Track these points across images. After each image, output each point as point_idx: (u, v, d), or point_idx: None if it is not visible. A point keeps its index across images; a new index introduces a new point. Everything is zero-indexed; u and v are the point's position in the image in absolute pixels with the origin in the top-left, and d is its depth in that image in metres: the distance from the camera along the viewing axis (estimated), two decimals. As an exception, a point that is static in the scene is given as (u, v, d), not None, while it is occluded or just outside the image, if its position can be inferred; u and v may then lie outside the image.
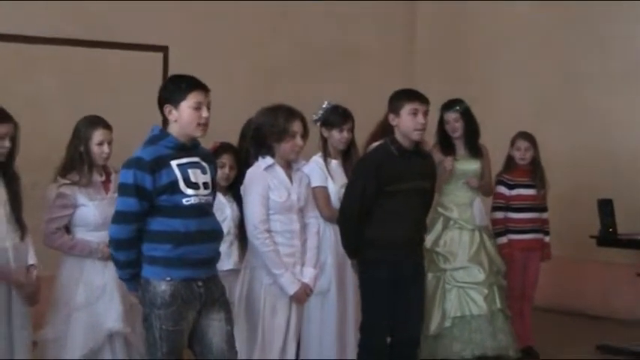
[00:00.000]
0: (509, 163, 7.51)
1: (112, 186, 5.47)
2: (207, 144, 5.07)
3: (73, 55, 8.22)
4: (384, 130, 6.73)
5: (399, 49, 10.35)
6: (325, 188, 6.40)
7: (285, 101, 5.60)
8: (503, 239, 7.41)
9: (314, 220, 5.69)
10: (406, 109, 5.57)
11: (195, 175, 4.57)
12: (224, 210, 5.72)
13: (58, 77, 8.18)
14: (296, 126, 5.43)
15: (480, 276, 7.16)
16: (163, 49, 8.63)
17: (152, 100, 8.06)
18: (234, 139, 6.18)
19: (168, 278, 4.49)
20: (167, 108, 4.57)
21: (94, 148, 5.49)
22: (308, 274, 5.52)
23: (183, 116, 4.55)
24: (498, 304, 7.18)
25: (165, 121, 4.63)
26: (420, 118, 5.57)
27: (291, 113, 5.46)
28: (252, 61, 9.11)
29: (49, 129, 7.45)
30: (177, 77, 4.67)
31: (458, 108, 7.21)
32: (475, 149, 7.29)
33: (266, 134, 5.44)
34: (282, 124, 5.41)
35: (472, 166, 7.29)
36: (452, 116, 7.22)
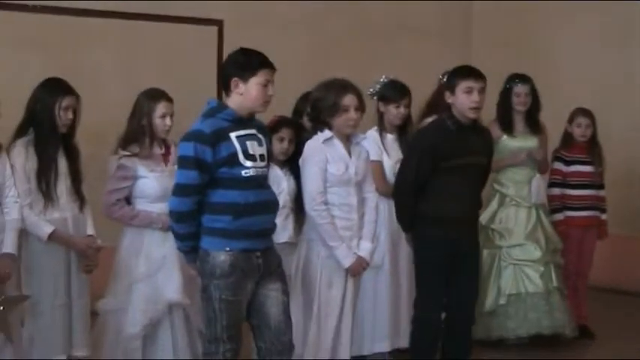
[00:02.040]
0: (567, 139, 7.41)
1: (172, 158, 5.48)
2: (265, 118, 5.05)
3: (127, 29, 8.27)
4: (433, 106, 6.72)
5: (456, 25, 10.26)
6: (380, 163, 6.39)
7: (342, 76, 5.57)
8: (560, 216, 7.33)
9: (372, 194, 5.66)
10: (461, 86, 5.53)
11: (252, 147, 4.59)
12: (280, 183, 5.72)
13: (113, 51, 8.23)
14: (348, 99, 5.40)
15: (537, 253, 7.10)
16: (218, 23, 8.63)
17: (206, 73, 8.27)
18: (288, 114, 6.20)
19: (228, 249, 4.51)
20: (234, 81, 4.56)
21: (157, 121, 5.51)
22: (365, 248, 5.52)
23: (252, 92, 4.57)
24: (555, 282, 7.12)
25: (219, 93, 4.63)
26: (475, 95, 5.52)
27: (343, 87, 5.44)
28: (309, 36, 9.09)
29: (105, 102, 7.48)
30: (248, 51, 4.66)
31: (531, 82, 7.14)
32: (536, 125, 7.23)
33: (320, 109, 5.43)
34: (333, 98, 5.40)
35: (530, 142, 7.23)
36: (524, 90, 7.16)
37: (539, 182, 7.24)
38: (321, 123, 5.44)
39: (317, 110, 5.45)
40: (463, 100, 5.53)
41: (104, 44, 8.19)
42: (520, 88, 7.16)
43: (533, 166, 7.24)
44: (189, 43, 8.48)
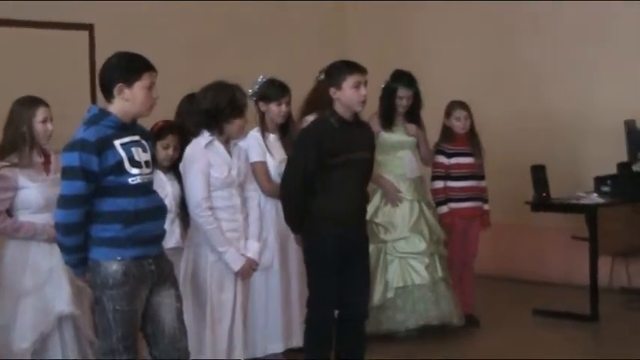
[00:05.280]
0: (447, 132, 7.50)
1: (53, 167, 5.34)
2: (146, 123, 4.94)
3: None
4: (313, 103, 6.72)
5: (329, 21, 10.28)
6: (264, 163, 6.37)
7: (217, 78, 5.53)
8: (444, 208, 7.43)
9: (254, 193, 5.70)
10: (349, 81, 5.51)
11: (137, 153, 4.49)
12: (165, 188, 5.64)
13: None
14: (244, 103, 5.44)
15: (421, 245, 7.18)
16: (88, 27, 8.45)
17: (79, 79, 8.07)
18: (167, 117, 6.08)
19: (119, 258, 4.40)
20: (119, 87, 4.43)
21: (38, 126, 5.37)
22: (252, 248, 5.52)
23: (138, 96, 4.45)
24: (440, 273, 7.22)
25: (93, 99, 4.50)
26: (363, 89, 5.52)
27: (242, 90, 5.44)
28: (182, 38, 8.96)
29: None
30: (129, 55, 4.54)
31: (416, 86, 7.22)
32: (416, 122, 7.32)
33: (223, 112, 5.36)
34: (241, 100, 5.40)
35: (408, 137, 7.31)
36: (408, 93, 7.22)
37: (410, 157, 7.31)
38: (211, 128, 5.38)
39: (212, 115, 5.38)
40: (351, 94, 5.51)
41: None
42: (404, 92, 7.22)
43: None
44: (58, 48, 8.25)
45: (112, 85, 4.45)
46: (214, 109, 5.40)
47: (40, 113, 5.39)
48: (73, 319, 5.37)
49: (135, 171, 4.44)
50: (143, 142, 4.56)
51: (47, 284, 5.31)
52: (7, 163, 5.31)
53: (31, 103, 5.41)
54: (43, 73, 7.93)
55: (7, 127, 5.40)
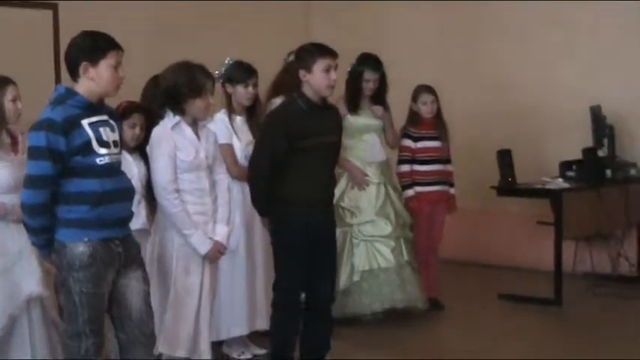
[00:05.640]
0: (413, 116, 7.51)
1: (21, 147, 5.26)
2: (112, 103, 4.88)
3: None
4: (280, 86, 6.70)
5: (296, 4, 10.22)
6: (231, 145, 6.33)
7: (181, 58, 5.47)
8: (410, 192, 7.43)
9: (223, 176, 5.64)
10: (319, 65, 5.47)
11: (105, 133, 4.44)
12: (131, 169, 5.55)
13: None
14: (207, 83, 5.34)
15: (387, 229, 7.17)
16: (52, 7, 8.34)
17: (43, 59, 7.96)
18: (131, 98, 6.00)
19: (86, 239, 4.35)
20: (84, 65, 4.38)
21: (9, 105, 5.30)
22: (221, 232, 5.48)
23: (103, 75, 4.40)
24: (406, 257, 7.22)
25: (58, 79, 4.44)
26: (333, 74, 5.50)
27: (205, 70, 5.39)
28: (149, 18, 8.86)
29: None
30: (94, 34, 4.48)
31: (382, 69, 7.20)
32: (383, 105, 7.30)
33: (181, 91, 5.31)
34: (200, 80, 5.31)
35: (375, 120, 7.30)
36: (374, 77, 7.21)
37: (375, 140, 7.30)
38: (173, 107, 5.33)
39: (175, 93, 5.33)
40: (321, 78, 5.48)
41: None
42: (370, 75, 7.21)
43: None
44: (22, 27, 8.15)
45: (77, 64, 4.40)
46: (172, 89, 5.35)
47: (10, 91, 5.31)
48: (41, 300, 5.30)
49: (103, 151, 4.39)
50: (111, 122, 4.52)
51: (16, 265, 5.23)
52: None
53: (0, 81, 5.33)
54: (6, 53, 7.82)
55: None
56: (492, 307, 7.86)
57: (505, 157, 7.94)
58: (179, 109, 5.35)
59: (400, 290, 7.11)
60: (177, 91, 5.33)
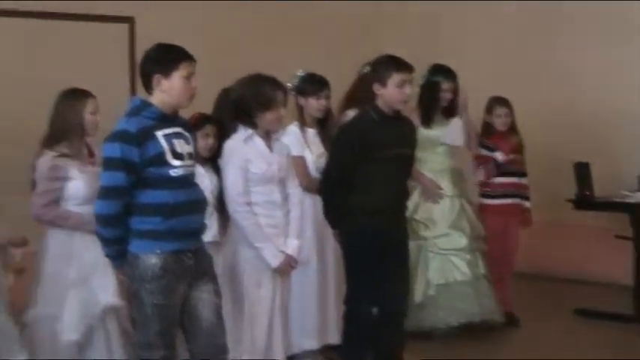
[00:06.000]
0: (488, 129, 7.42)
1: (97, 159, 5.33)
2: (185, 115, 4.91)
3: (36, 28, 8.00)
4: (353, 98, 6.67)
5: (367, 17, 10.20)
6: (303, 158, 6.31)
7: (254, 70, 5.47)
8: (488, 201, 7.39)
9: (296, 190, 5.62)
10: (394, 80, 5.45)
11: (180, 145, 4.47)
12: (203, 181, 5.53)
13: (22, 51, 7.95)
14: (279, 95, 5.31)
15: (462, 242, 7.10)
16: (129, 20, 8.45)
17: (119, 72, 8.07)
18: (204, 110, 6.03)
19: (158, 251, 4.37)
20: (156, 78, 4.41)
21: (89, 117, 5.40)
22: (291, 246, 5.46)
23: (176, 86, 4.43)
24: (481, 270, 7.14)
25: (133, 91, 4.48)
26: (407, 89, 5.47)
27: (275, 82, 5.36)
28: (224, 31, 8.94)
29: (13, 104, 7.36)
30: (167, 46, 4.52)
31: (456, 79, 7.15)
32: (454, 111, 7.22)
33: (250, 104, 5.30)
34: (269, 93, 5.30)
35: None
36: (450, 86, 7.16)
37: (458, 122, 7.20)
38: (244, 120, 5.33)
39: (245, 105, 5.33)
40: (395, 93, 5.46)
41: (12, 44, 7.90)
42: (447, 85, 7.15)
43: (451, 154, 7.24)
44: (99, 41, 8.27)
45: (150, 76, 4.44)
46: (241, 102, 5.36)
47: (90, 105, 5.41)
48: (116, 310, 5.36)
49: (177, 163, 4.41)
50: (185, 133, 4.55)
51: (93, 276, 5.30)
52: (57, 153, 5.33)
53: (80, 94, 5.44)
54: (84, 66, 7.92)
55: (54, 118, 5.41)
56: (568, 323, 7.70)
57: (583, 170, 7.82)
58: (250, 122, 5.35)
59: (476, 304, 7.02)
60: (246, 104, 5.34)
